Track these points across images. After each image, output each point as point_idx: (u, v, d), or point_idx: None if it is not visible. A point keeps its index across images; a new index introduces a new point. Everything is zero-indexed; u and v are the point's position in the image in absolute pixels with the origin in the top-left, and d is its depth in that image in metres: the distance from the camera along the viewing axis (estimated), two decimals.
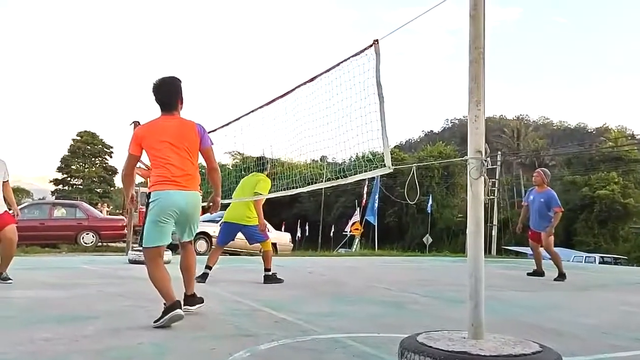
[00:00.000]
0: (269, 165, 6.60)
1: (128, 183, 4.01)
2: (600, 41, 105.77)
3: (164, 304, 3.50)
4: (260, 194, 6.17)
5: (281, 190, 6.66)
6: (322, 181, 6.22)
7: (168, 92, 3.86)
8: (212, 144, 3.98)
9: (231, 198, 6.47)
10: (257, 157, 6.88)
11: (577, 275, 8.87)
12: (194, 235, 3.99)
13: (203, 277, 5.86)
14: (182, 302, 3.70)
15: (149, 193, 3.78)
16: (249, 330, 3.44)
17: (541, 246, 7.91)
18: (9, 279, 5.42)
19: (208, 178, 4.10)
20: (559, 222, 7.86)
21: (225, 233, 6.43)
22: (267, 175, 6.43)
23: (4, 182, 5.59)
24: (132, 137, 3.88)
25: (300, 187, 6.17)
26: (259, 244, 6.60)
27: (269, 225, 16.99)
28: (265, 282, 6.23)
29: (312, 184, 6.03)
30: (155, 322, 3.43)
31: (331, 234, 37.47)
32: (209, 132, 6.90)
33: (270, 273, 6.34)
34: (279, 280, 6.29)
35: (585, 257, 24.93)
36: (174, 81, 3.90)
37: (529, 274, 8.13)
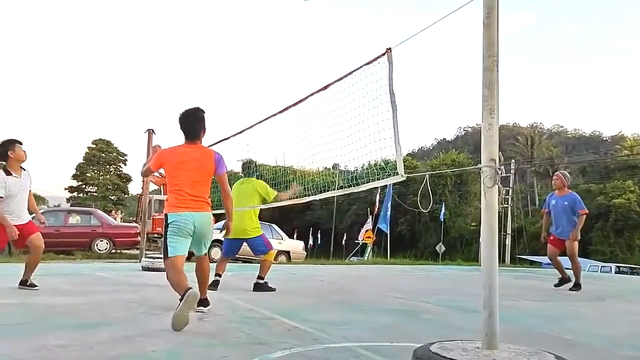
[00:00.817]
0: (255, 169, 6.59)
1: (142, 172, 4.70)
2: (616, 48, 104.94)
3: (179, 299, 3.66)
4: (274, 199, 6.25)
5: (294, 198, 6.67)
6: (334, 189, 6.23)
7: (193, 124, 4.28)
8: (227, 170, 4.38)
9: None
10: (244, 162, 6.71)
11: (593, 285, 8.75)
12: (207, 248, 4.36)
13: (214, 285, 5.86)
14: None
15: (166, 214, 4.16)
16: (261, 338, 3.44)
17: (561, 254, 7.45)
18: (36, 285, 5.47)
19: (223, 203, 4.50)
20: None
21: (229, 247, 6.42)
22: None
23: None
24: (156, 155, 4.41)
25: (312, 194, 6.17)
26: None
27: (282, 234, 17.08)
28: (255, 290, 6.16)
29: (324, 191, 6.03)
30: (174, 315, 3.55)
31: (343, 242, 37.39)
32: (222, 140, 6.98)
33: (262, 282, 6.25)
34: (271, 289, 6.19)
35: (601, 266, 24.57)
36: (199, 113, 4.31)
37: (556, 286, 7.48)
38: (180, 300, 3.62)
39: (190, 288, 3.72)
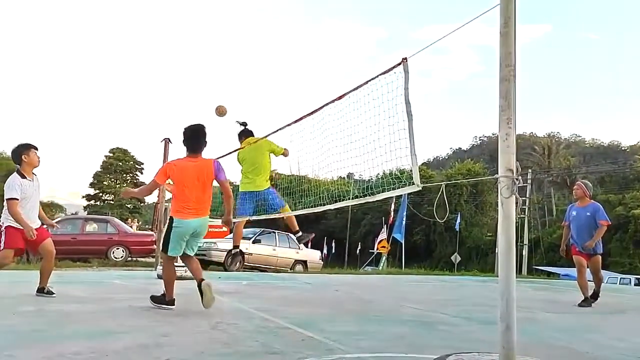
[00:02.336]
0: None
1: (140, 195, 5.29)
2: (634, 57, 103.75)
3: (163, 294, 4.95)
4: (283, 154, 6.62)
5: (308, 207, 6.67)
6: (349, 198, 6.21)
7: (196, 139, 4.93)
8: (226, 178, 5.03)
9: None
10: (239, 133, 6.97)
11: (612, 297, 8.60)
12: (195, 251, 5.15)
13: (236, 256, 6.24)
14: (198, 287, 4.76)
15: (173, 217, 4.85)
16: (275, 348, 3.43)
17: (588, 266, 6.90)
18: (53, 293, 5.51)
19: (224, 203, 5.16)
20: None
21: (245, 201, 6.58)
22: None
23: None
24: (162, 169, 4.95)
25: (327, 204, 6.16)
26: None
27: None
28: (299, 241, 7.23)
29: (339, 201, 6.02)
30: (152, 300, 4.95)
31: (357, 252, 37.24)
32: (236, 150, 7.07)
33: (300, 234, 6.84)
34: (308, 236, 7.06)
35: (620, 278, 24.19)
36: (202, 129, 4.95)
37: (580, 305, 6.82)
38: (162, 301, 4.90)
39: (173, 303, 4.89)
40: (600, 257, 7.01)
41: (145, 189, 5.31)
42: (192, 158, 4.89)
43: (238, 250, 6.28)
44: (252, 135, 6.82)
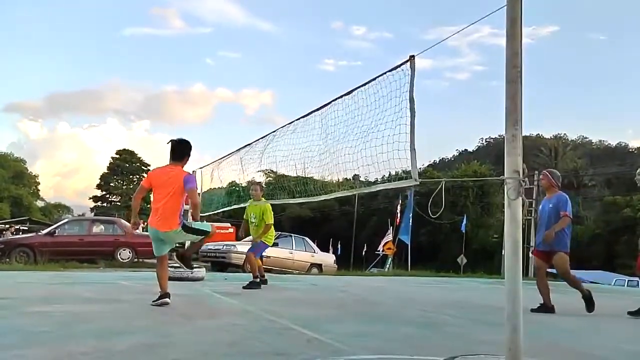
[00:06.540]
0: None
1: (136, 205, 5.72)
2: None
3: (159, 292, 5.16)
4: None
5: (309, 197, 6.88)
6: (350, 187, 6.25)
7: (181, 152, 5.32)
8: (196, 188, 5.44)
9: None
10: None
11: (619, 299, 8.56)
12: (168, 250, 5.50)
13: (260, 283, 7.38)
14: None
15: (146, 224, 5.46)
16: (280, 348, 3.43)
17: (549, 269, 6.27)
18: None
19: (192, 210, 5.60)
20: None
21: (264, 249, 8.13)
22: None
23: None
24: (147, 177, 5.41)
25: (331, 192, 6.19)
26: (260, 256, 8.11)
27: (314, 247, 17.36)
28: (248, 286, 7.35)
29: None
30: (153, 302, 5.09)
31: (363, 253, 37.16)
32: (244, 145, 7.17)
33: (257, 280, 7.50)
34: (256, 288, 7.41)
35: (628, 280, 24.02)
36: (188, 145, 5.38)
37: (533, 310, 6.01)
38: (160, 297, 5.09)
39: (168, 295, 5.15)
40: (564, 255, 6.10)
41: (135, 198, 5.74)
42: (172, 166, 5.25)
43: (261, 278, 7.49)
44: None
